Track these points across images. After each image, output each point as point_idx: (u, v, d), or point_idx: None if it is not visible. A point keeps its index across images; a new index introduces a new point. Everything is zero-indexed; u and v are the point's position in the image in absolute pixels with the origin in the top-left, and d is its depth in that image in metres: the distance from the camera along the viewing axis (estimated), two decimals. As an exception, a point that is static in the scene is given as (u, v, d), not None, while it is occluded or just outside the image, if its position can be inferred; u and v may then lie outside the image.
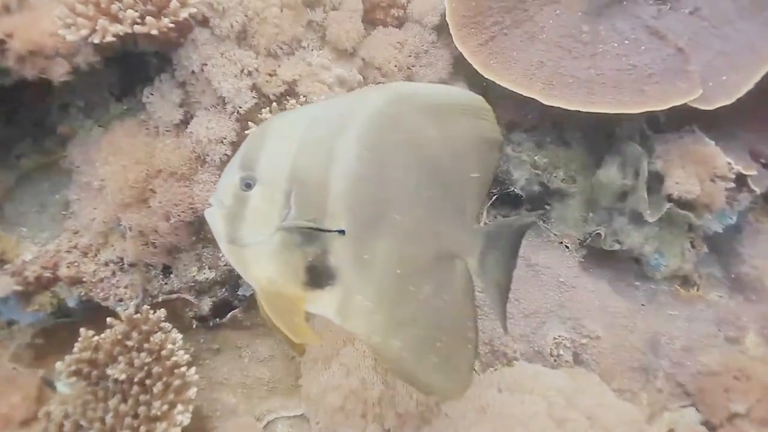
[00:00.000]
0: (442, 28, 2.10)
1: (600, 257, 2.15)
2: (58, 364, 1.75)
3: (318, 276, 1.04)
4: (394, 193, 1.04)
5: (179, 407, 1.65)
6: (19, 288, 1.90)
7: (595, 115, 1.87)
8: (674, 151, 2.00)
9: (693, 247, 2.11)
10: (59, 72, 1.72)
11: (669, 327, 2.04)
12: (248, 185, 1.03)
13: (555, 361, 1.91)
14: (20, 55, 1.69)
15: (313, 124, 1.04)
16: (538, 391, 1.60)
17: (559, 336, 1.93)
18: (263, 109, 1.83)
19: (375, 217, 1.04)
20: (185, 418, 1.65)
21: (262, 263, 1.04)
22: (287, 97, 1.87)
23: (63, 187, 2.00)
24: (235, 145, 1.89)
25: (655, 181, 2.02)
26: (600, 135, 2.15)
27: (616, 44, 1.93)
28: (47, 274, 1.91)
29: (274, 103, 1.84)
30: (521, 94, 1.92)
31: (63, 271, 1.91)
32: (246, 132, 1.82)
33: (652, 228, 2.05)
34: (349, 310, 1.06)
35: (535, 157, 2.15)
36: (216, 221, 1.06)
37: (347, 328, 1.09)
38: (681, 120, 2.04)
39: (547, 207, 2.19)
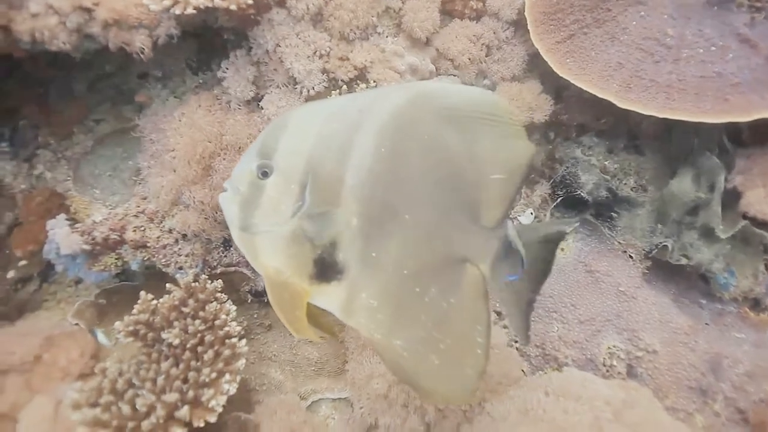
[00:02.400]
0: (518, 24, 2.07)
1: (665, 270, 2.07)
2: (117, 323, 1.81)
3: (326, 269, 1.04)
4: (407, 193, 1.03)
5: (227, 377, 1.68)
6: (87, 247, 1.97)
7: (672, 123, 1.80)
8: (756, 168, 1.90)
9: (767, 269, 2.01)
10: (140, 42, 1.77)
11: (733, 350, 1.95)
12: (265, 173, 1.03)
13: (607, 371, 1.85)
14: (105, 23, 1.75)
15: (333, 117, 1.04)
16: (586, 400, 1.55)
17: (614, 346, 1.87)
18: (333, 92, 1.84)
19: (386, 215, 1.03)
20: (232, 388, 1.68)
21: (271, 252, 1.05)
22: (358, 81, 1.88)
23: (135, 154, 2.06)
24: (303, 126, 1.92)
25: (731, 196, 1.93)
26: (676, 144, 2.06)
27: (702, 50, 1.85)
28: (114, 236, 1.98)
29: (344, 86, 1.84)
30: (596, 96, 1.87)
31: (129, 235, 1.97)
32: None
33: (723, 245, 1.95)
34: (354, 306, 1.05)
35: (606, 162, 2.09)
36: (229, 207, 1.06)
37: (350, 324, 1.08)
38: (766, 135, 1.94)
39: (614, 215, 2.12)
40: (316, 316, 1.12)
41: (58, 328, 2.13)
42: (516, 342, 1.94)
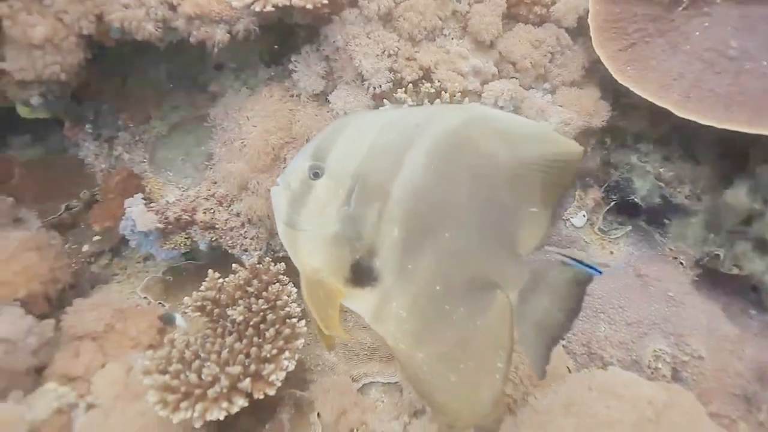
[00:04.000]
0: (580, 31, 2.12)
1: (715, 279, 2.09)
2: (186, 299, 1.93)
3: (361, 275, 1.07)
4: (450, 212, 1.05)
5: (287, 354, 1.78)
6: (160, 226, 2.10)
7: (730, 134, 1.83)
8: (812, 182, 1.92)
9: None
10: (220, 37, 1.88)
11: (781, 361, 1.97)
12: (316, 174, 1.06)
13: (652, 373, 1.89)
14: (189, 16, 1.86)
15: (389, 128, 1.07)
16: (628, 398, 1.60)
17: (660, 349, 1.91)
18: (398, 90, 1.92)
19: (426, 231, 1.05)
20: (291, 365, 1.78)
21: (311, 251, 1.08)
22: (423, 81, 1.96)
23: (208, 140, 2.18)
24: (368, 121, 2.01)
25: (787, 209, 1.95)
26: (732, 155, 2.09)
27: (765, 63, 1.87)
28: (185, 216, 2.10)
29: (410, 85, 1.92)
30: (654, 104, 1.91)
31: (199, 216, 2.09)
32: (380, 108, 1.93)
33: (776, 257, 1.98)
34: (383, 314, 1.08)
35: (661, 170, 2.12)
36: (279, 201, 1.10)
37: (377, 330, 1.10)
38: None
39: (666, 221, 2.15)
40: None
41: (127, 301, 2.27)
42: (563, 339, 2.00)
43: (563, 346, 1.99)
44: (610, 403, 1.62)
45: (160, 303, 2.27)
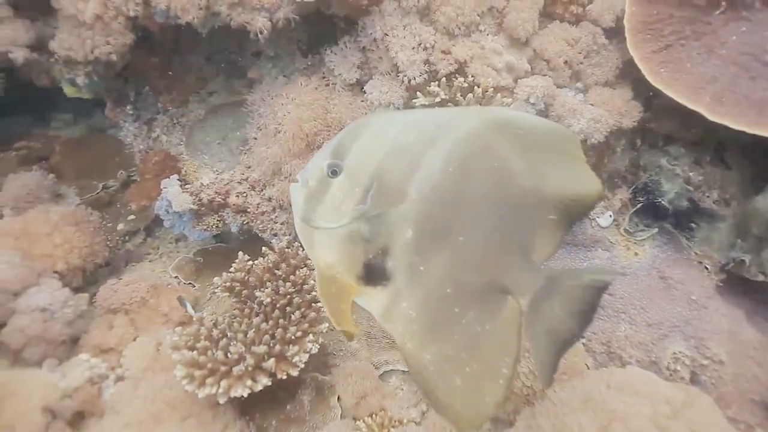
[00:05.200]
0: (616, 31, 2.12)
1: (740, 285, 2.09)
2: (216, 279, 1.98)
3: (373, 274, 1.08)
4: (466, 215, 1.06)
5: (311, 337, 1.83)
6: (194, 207, 2.16)
7: (762, 140, 1.83)
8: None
9: None
10: (260, 24, 1.92)
11: (802, 370, 1.97)
12: (334, 172, 1.07)
13: (670, 375, 1.91)
14: (232, 2, 1.91)
15: (410, 128, 1.07)
16: (646, 395, 1.61)
17: (680, 352, 1.92)
18: (432, 83, 1.96)
19: (441, 233, 1.06)
20: (314, 347, 1.83)
21: (326, 248, 1.09)
22: (456, 75, 1.98)
23: (243, 126, 2.23)
24: (400, 113, 2.04)
25: (817, 217, 1.94)
26: (764, 161, 2.08)
27: (801, 70, 1.87)
28: (219, 199, 2.16)
29: (443, 79, 1.95)
30: (686, 107, 1.91)
31: (232, 199, 2.15)
32: (413, 101, 1.96)
33: (803, 265, 1.97)
34: (393, 313, 1.08)
35: (690, 174, 2.12)
36: (297, 197, 1.11)
37: (386, 328, 1.11)
38: None
39: (693, 225, 2.15)
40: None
41: (159, 279, 2.34)
42: (583, 337, 2.02)
43: (583, 343, 2.01)
44: (628, 400, 1.64)
45: (190, 283, 2.34)
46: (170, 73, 2.34)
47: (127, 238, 2.59)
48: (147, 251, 2.59)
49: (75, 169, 2.80)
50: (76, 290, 2.22)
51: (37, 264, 2.10)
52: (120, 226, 2.58)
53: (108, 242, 2.38)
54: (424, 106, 1.94)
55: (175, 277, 2.36)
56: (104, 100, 2.40)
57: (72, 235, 2.24)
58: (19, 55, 2.02)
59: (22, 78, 2.25)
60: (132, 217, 2.59)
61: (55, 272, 2.16)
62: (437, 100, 1.93)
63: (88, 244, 2.27)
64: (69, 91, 2.24)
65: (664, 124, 2.15)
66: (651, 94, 2.09)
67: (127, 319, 2.13)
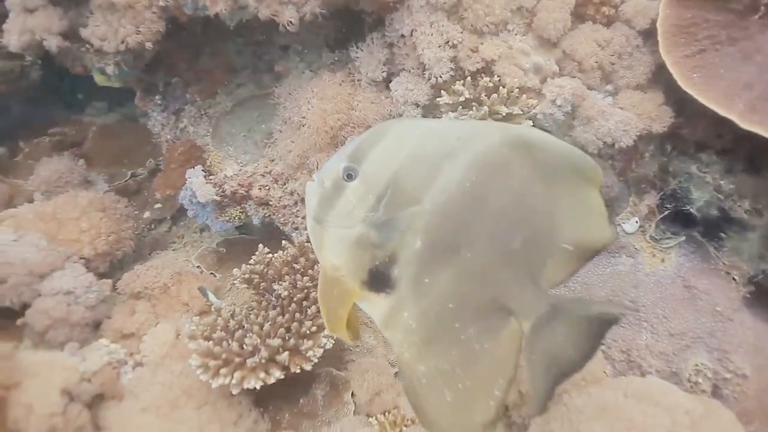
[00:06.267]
0: (649, 34, 2.07)
1: (768, 298, 2.04)
2: (235, 270, 2.00)
3: (378, 281, 1.06)
4: (476, 231, 1.03)
5: (325, 332, 1.83)
6: (217, 198, 2.18)
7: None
8: None
9: None
10: (288, 16, 1.92)
11: (830, 387, 1.91)
12: (349, 176, 1.06)
13: (691, 387, 1.87)
14: (259, -5, 1.92)
15: (430, 138, 1.05)
16: (664, 406, 1.58)
17: (702, 364, 1.88)
18: (457, 82, 1.94)
19: (449, 247, 1.04)
20: (329, 342, 1.83)
21: (334, 249, 1.07)
22: (482, 74, 1.96)
23: (269, 119, 2.24)
24: (426, 110, 2.03)
25: None
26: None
27: (841, 80, 1.81)
28: (242, 191, 2.18)
29: (468, 78, 1.93)
30: (718, 114, 1.86)
31: (255, 192, 2.16)
32: (437, 99, 1.94)
33: (835, 280, 1.91)
34: (393, 321, 1.07)
35: (721, 182, 2.07)
36: (311, 197, 1.09)
37: (385, 335, 1.10)
38: None
39: (723, 235, 2.10)
40: (351, 317, 1.16)
41: (182, 268, 2.37)
42: (602, 345, 1.98)
43: (602, 351, 1.98)
44: (646, 410, 1.61)
45: (212, 273, 2.36)
46: (200, 65, 2.36)
47: (153, 226, 2.63)
48: (172, 240, 2.62)
49: (106, 156, 2.85)
50: (102, 276, 2.26)
51: (63, 248, 2.14)
52: (146, 214, 2.63)
53: (134, 229, 2.42)
54: (447, 105, 1.93)
55: (197, 266, 2.39)
56: (134, 89, 2.43)
57: (99, 221, 2.28)
58: (52, 43, 2.05)
59: (59, 66, 2.30)
60: (158, 205, 2.63)
61: (82, 257, 2.20)
62: (461, 99, 1.91)
63: (114, 230, 2.30)
64: (99, 79, 2.28)
65: (696, 131, 2.09)
66: (683, 99, 2.04)
67: (149, 306, 2.16)
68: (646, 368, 1.90)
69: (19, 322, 2.01)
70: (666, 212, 2.12)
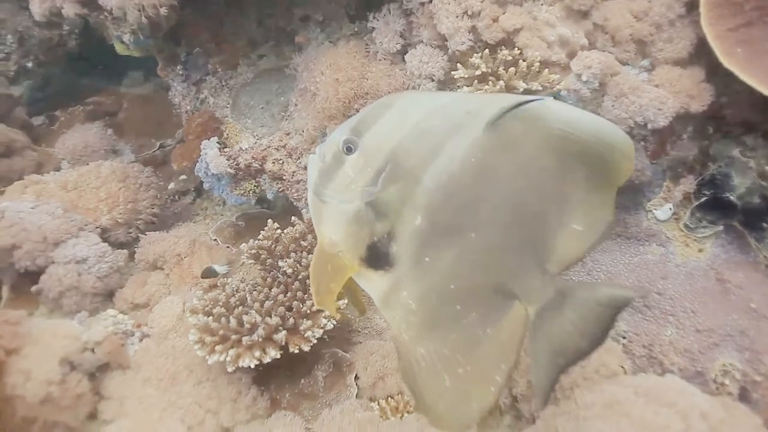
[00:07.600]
0: (693, 4, 1.90)
1: (813, 296, 1.87)
2: (243, 245, 1.97)
3: (376, 257, 1.03)
4: (481, 211, 0.97)
5: (326, 313, 1.78)
6: (231, 171, 2.15)
7: None
8: None
9: None
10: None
11: None
12: (349, 149, 1.02)
13: (717, 388, 1.73)
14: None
15: (436, 112, 0.99)
16: (679, 408, 1.46)
17: (731, 364, 1.74)
18: (475, 54, 1.83)
19: (452, 227, 0.98)
20: (330, 323, 1.78)
21: (333, 224, 1.04)
22: (503, 46, 1.84)
23: (288, 91, 2.19)
24: (442, 84, 1.93)
25: None
26: None
27: None
28: (256, 164, 2.14)
29: (486, 50, 1.82)
30: (764, 94, 1.69)
31: (268, 166, 2.12)
32: (452, 72, 1.84)
33: None
34: (392, 300, 1.03)
35: (766, 167, 1.90)
36: (312, 169, 1.06)
37: (384, 315, 1.06)
38: None
39: (765, 225, 1.93)
40: (355, 291, 1.14)
41: (198, 238, 2.35)
42: (624, 338, 1.86)
43: (622, 344, 1.85)
44: (659, 410, 1.50)
45: (228, 246, 2.34)
46: (222, 36, 2.32)
47: (177, 197, 2.63)
48: (196, 212, 2.62)
49: (137, 127, 2.87)
50: (121, 245, 2.27)
51: (80, 216, 2.16)
52: (171, 186, 2.63)
53: (155, 200, 2.42)
54: (463, 78, 1.82)
55: (215, 240, 2.37)
56: (156, 59, 2.42)
57: (117, 191, 2.29)
58: (70, 11, 2.05)
59: (98, 36, 2.31)
60: (183, 177, 2.63)
61: (99, 226, 2.22)
62: (477, 72, 1.80)
63: (132, 200, 2.31)
64: (119, 48, 2.28)
65: (741, 112, 1.92)
66: (728, 76, 1.87)
67: (162, 276, 2.16)
68: (668, 366, 1.77)
69: (33, 289, 2.04)
70: (703, 199, 1.95)
